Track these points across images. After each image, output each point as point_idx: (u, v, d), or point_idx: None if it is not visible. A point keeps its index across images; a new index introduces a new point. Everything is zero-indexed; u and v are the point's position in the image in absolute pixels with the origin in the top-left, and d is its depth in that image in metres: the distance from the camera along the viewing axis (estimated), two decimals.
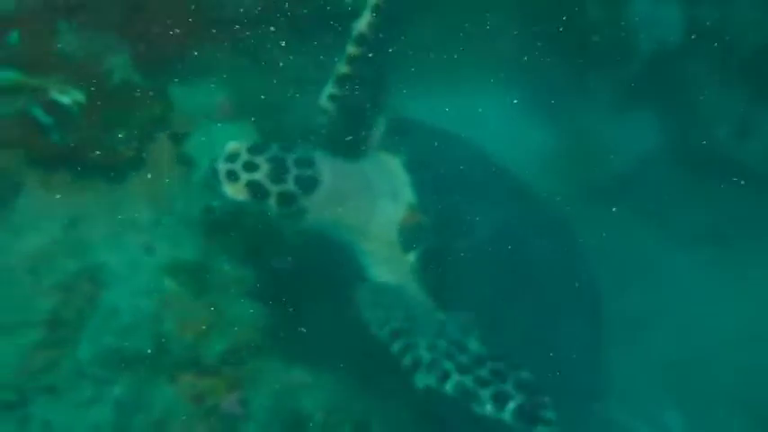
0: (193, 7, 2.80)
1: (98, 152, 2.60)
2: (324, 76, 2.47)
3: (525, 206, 2.67)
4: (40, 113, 2.55)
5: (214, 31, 2.88)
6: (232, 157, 2.17)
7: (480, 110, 3.48)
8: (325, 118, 2.44)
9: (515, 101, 3.58)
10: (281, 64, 2.99)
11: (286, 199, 2.16)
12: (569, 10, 3.40)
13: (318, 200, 2.22)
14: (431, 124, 2.74)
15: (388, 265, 2.38)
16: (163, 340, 2.46)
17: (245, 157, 2.16)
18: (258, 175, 2.13)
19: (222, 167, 2.14)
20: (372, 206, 2.37)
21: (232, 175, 2.13)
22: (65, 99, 2.60)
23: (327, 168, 2.28)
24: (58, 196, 2.67)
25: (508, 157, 2.79)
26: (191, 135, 2.75)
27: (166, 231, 2.74)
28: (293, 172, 2.18)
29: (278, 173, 2.15)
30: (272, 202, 2.15)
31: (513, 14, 3.43)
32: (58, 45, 2.63)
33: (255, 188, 2.13)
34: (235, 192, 2.15)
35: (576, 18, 3.42)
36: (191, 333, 2.48)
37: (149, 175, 2.79)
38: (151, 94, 2.72)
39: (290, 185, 2.16)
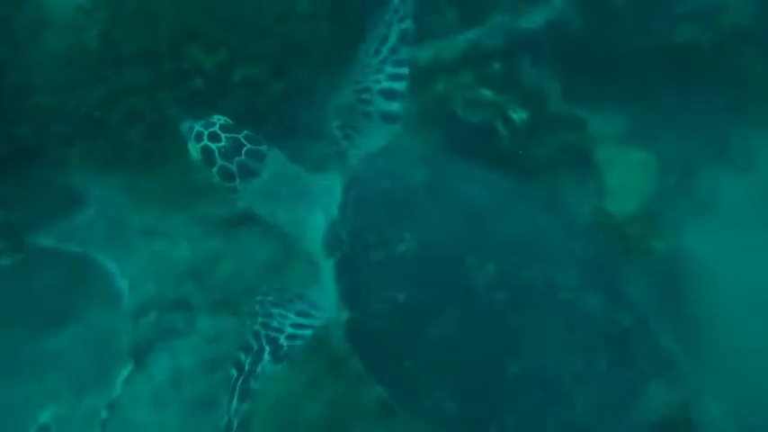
0: None
1: (530, 159, 3.66)
2: None
3: (468, 227, 2.55)
4: (499, 124, 3.64)
5: None
6: (208, 125, 2.62)
7: None
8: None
9: None
10: None
11: (225, 174, 2.60)
12: None
13: (252, 189, 2.63)
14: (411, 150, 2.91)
15: (312, 266, 2.74)
16: None
17: (215, 128, 2.61)
18: (214, 145, 2.58)
19: (196, 127, 2.62)
20: (307, 213, 2.70)
21: (198, 137, 2.61)
22: (516, 116, 3.65)
23: (273, 168, 2.65)
24: None
25: None
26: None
27: None
28: (241, 157, 2.60)
29: (230, 152, 2.58)
30: (215, 171, 2.60)
31: None
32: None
33: (207, 154, 2.59)
34: (193, 150, 2.63)
35: None
36: None
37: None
38: (572, 120, 3.68)
39: (233, 166, 2.59)
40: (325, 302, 2.60)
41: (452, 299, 2.42)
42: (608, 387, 2.48)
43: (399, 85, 2.89)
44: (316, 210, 2.71)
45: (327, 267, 2.60)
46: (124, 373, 3.25)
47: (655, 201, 3.58)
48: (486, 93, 3.65)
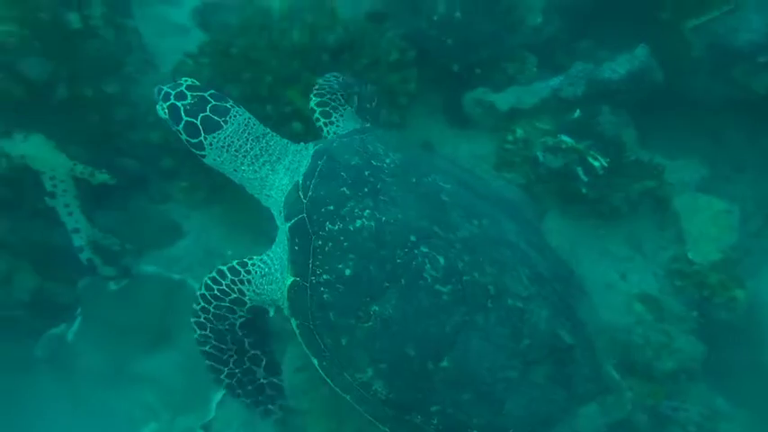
0: None
1: (608, 204, 3.75)
2: None
3: (430, 217, 2.54)
4: (580, 170, 3.75)
5: None
6: (175, 86, 2.66)
7: None
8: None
9: None
10: None
11: (191, 131, 2.62)
12: None
13: (216, 143, 2.63)
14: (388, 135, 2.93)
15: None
16: (628, 348, 3.51)
17: (181, 88, 2.65)
18: (180, 103, 2.61)
19: (164, 89, 2.67)
20: (271, 172, 2.71)
21: (166, 97, 2.65)
22: (596, 163, 3.75)
23: (237, 122, 2.66)
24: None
25: None
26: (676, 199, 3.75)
27: (637, 266, 3.79)
28: (206, 113, 2.62)
29: (194, 108, 2.61)
30: (181, 128, 2.64)
31: None
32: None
33: (173, 111, 2.62)
34: (160, 109, 2.67)
35: None
36: (650, 349, 3.49)
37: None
38: (650, 167, 3.76)
39: (197, 121, 2.61)
40: (277, 264, 2.61)
41: (397, 283, 2.41)
42: (539, 399, 2.47)
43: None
44: (280, 171, 2.71)
45: (284, 229, 2.58)
46: (217, 396, 3.45)
47: (735, 249, 3.60)
48: (567, 139, 3.77)
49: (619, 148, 3.82)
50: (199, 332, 2.67)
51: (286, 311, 2.58)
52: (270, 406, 2.93)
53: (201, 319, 2.65)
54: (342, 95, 3.06)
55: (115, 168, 3.85)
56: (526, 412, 2.44)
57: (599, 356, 2.65)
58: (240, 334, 2.70)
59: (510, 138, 3.99)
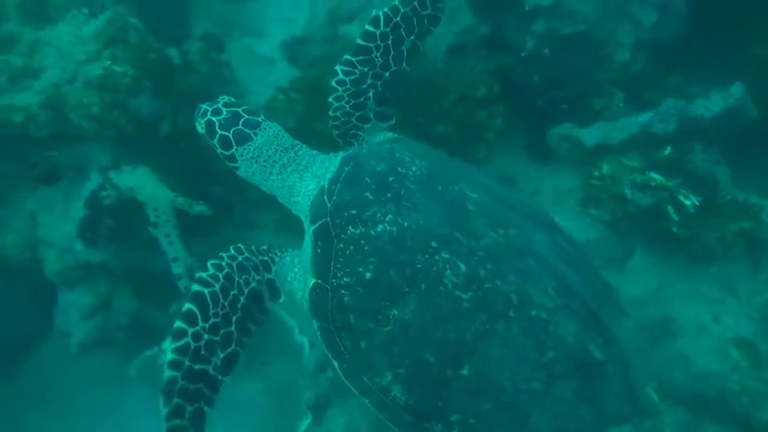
0: None
1: (700, 244, 3.67)
2: None
3: (452, 224, 2.53)
4: (670, 208, 3.68)
5: None
6: (213, 103, 2.83)
7: None
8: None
9: None
10: None
11: (224, 143, 2.75)
12: None
13: (248, 154, 2.75)
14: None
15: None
16: (724, 395, 3.40)
17: (218, 105, 2.81)
18: (215, 119, 2.76)
19: (203, 107, 2.82)
20: (299, 180, 2.79)
21: (203, 113, 2.80)
22: (687, 201, 3.68)
23: (266, 134, 2.77)
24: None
25: None
26: None
27: (730, 309, 3.67)
28: (238, 126, 2.75)
29: (228, 123, 2.75)
30: (215, 141, 2.76)
31: None
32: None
33: (209, 126, 2.78)
34: (198, 126, 2.82)
35: None
36: (747, 397, 3.37)
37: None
38: (746, 206, 3.67)
39: (230, 134, 2.74)
40: (301, 267, 2.65)
41: (417, 288, 2.40)
42: (566, 415, 2.39)
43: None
44: (308, 178, 2.79)
45: (309, 233, 2.62)
46: (304, 424, 3.53)
47: None
48: (657, 176, 3.71)
49: (712, 186, 3.74)
50: (212, 271, 2.52)
51: (307, 313, 2.60)
52: (202, 404, 2.43)
53: (223, 263, 2.56)
54: (358, 116, 3.02)
55: (205, 196, 4.04)
56: (552, 428, 2.38)
57: (636, 376, 2.54)
58: (242, 301, 2.54)
59: (596, 174, 3.95)
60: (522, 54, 3.91)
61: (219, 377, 2.40)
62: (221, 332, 2.43)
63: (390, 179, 2.56)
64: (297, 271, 2.67)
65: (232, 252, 2.59)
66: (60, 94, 3.74)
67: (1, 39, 4.11)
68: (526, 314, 2.41)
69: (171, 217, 3.56)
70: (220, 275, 2.49)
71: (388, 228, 2.46)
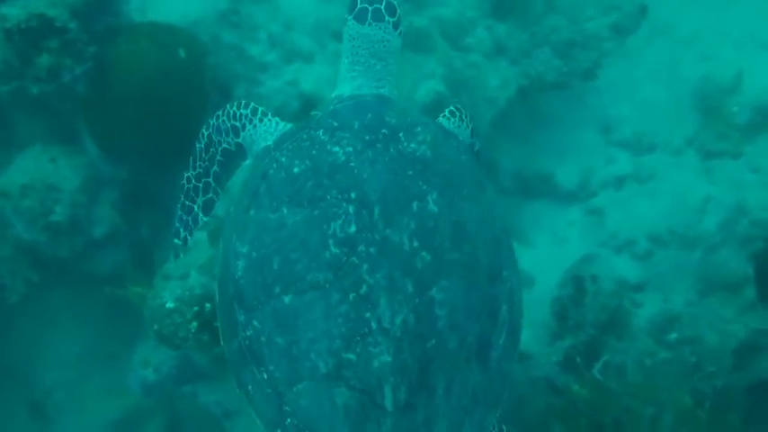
0: None
1: None
2: None
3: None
4: None
5: None
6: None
7: None
8: None
9: None
10: None
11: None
12: None
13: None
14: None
15: None
16: None
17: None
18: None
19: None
20: (349, 78, 2.80)
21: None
22: None
23: (397, 43, 2.78)
24: None
25: None
26: None
27: None
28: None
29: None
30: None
31: None
32: None
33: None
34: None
35: None
36: None
37: None
38: None
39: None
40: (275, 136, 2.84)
41: (313, 207, 2.42)
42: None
43: None
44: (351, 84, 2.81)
45: (309, 118, 2.74)
46: None
47: None
48: None
49: None
50: (202, 130, 3.01)
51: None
52: (184, 232, 3.10)
53: (211, 122, 2.99)
54: None
55: None
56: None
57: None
58: (218, 158, 3.02)
59: None
60: None
61: (201, 215, 3.09)
62: (202, 180, 3.06)
63: (384, 131, 2.53)
64: (268, 139, 2.85)
65: (218, 113, 3.03)
66: None
67: None
68: (361, 312, 2.33)
69: None
70: (206, 134, 3.05)
71: (340, 154, 2.48)
